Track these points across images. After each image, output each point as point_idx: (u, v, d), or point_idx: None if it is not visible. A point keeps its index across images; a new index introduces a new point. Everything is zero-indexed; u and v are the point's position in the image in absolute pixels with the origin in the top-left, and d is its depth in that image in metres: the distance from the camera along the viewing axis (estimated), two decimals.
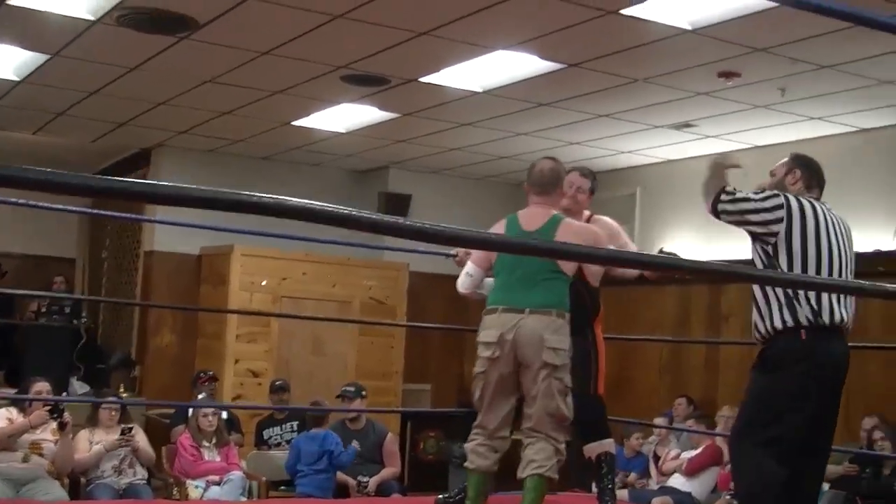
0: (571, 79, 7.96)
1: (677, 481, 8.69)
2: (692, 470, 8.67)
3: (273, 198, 1.40)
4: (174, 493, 8.01)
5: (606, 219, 5.51)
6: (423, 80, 8.20)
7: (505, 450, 4.86)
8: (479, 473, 4.80)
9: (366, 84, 8.43)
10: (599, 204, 10.00)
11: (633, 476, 9.21)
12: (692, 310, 10.32)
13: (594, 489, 5.48)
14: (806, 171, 4.54)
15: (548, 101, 8.68)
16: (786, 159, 4.65)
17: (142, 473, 7.91)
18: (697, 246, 10.31)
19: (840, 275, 4.27)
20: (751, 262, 4.42)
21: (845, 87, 7.81)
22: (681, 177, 10.81)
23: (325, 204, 1.44)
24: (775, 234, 4.25)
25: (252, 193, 1.39)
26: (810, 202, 4.35)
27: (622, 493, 8.56)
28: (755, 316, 4.33)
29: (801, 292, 4.15)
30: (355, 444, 8.28)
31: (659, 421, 9.17)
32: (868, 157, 9.04)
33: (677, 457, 8.91)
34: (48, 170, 1.36)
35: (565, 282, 4.78)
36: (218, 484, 7.94)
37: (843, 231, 4.40)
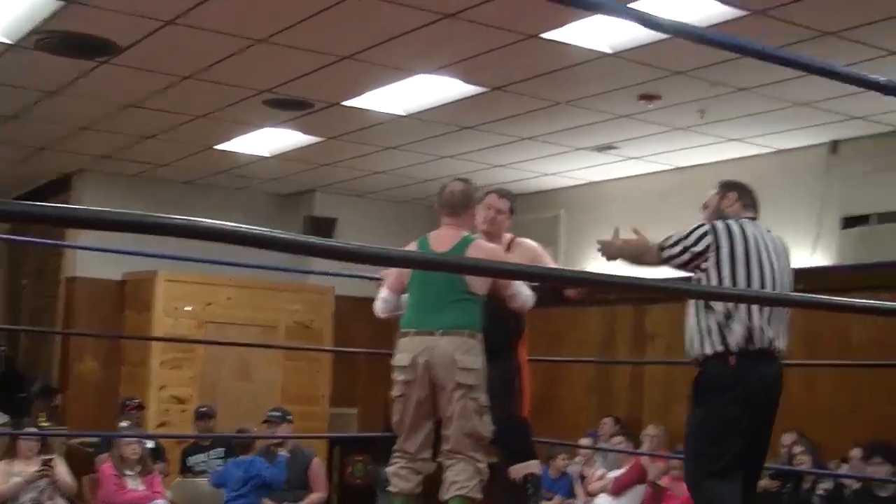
0: (494, 102, 8.02)
1: (603, 501, 8.75)
2: (618, 489, 8.73)
3: (186, 219, 1.39)
4: None
5: (529, 241, 5.55)
6: (346, 103, 8.21)
7: (428, 472, 4.88)
8: (402, 496, 4.83)
9: (289, 108, 8.42)
10: (523, 226, 10.09)
11: (557, 498, 9.22)
12: (617, 330, 10.42)
13: None
14: (738, 191, 4.64)
15: (471, 124, 8.73)
16: (714, 189, 4.73)
17: None
18: (620, 266, 10.39)
19: None
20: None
21: (762, 108, 7.96)
22: (604, 198, 10.93)
23: (239, 225, 1.44)
24: (706, 265, 4.31)
25: (166, 216, 1.38)
26: (741, 226, 4.39)
27: None
28: (687, 342, 4.39)
29: (732, 318, 4.19)
30: (283, 453, 8.23)
31: (584, 441, 9.23)
32: (785, 177, 9.20)
33: (603, 476, 8.97)
34: None
35: (476, 302, 4.80)
36: None
37: (779, 252, 4.44)
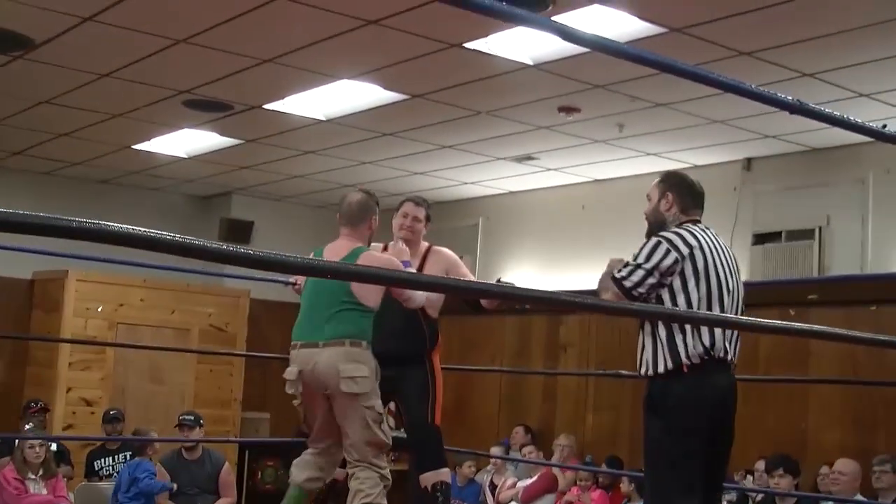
0: (415, 110, 8.02)
1: None
2: (528, 498, 8.78)
3: (95, 223, 1.37)
4: None
5: (445, 250, 5.56)
6: (266, 107, 8.15)
7: (331, 474, 5.02)
8: (295, 486, 4.94)
9: (208, 110, 8.34)
10: (443, 234, 10.13)
11: None
12: (531, 340, 10.48)
13: None
14: (678, 192, 4.37)
15: (392, 130, 8.73)
16: (657, 180, 4.49)
17: None
18: (537, 275, 10.49)
19: (732, 308, 4.18)
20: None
21: (679, 124, 8.08)
22: (522, 208, 11.00)
23: (149, 230, 1.41)
24: (669, 279, 4.12)
25: (74, 219, 1.36)
26: (694, 234, 4.20)
27: None
28: (639, 355, 4.23)
29: (685, 331, 4.06)
30: (172, 485, 8.14)
31: (495, 450, 9.27)
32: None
33: (514, 485, 9.01)
34: None
35: (362, 312, 4.82)
36: None
37: (729, 259, 4.28)
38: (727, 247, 4.34)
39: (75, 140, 9.60)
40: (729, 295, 4.17)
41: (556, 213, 10.63)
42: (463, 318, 9.83)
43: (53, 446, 8.43)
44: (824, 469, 7.30)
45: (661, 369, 4.11)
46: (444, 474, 5.31)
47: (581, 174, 10.01)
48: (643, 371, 4.20)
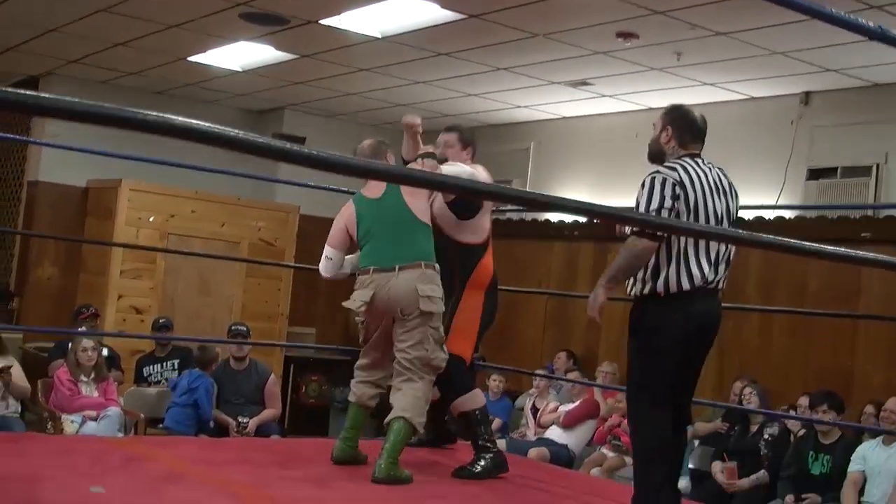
0: (472, 30, 7.96)
1: (554, 433, 8.85)
2: (569, 422, 8.83)
3: (161, 116, 1.38)
4: (48, 427, 7.88)
5: (480, 167, 5.42)
6: (323, 22, 8.12)
7: (384, 387, 5.14)
8: (355, 406, 5.12)
9: (265, 23, 8.31)
10: (494, 157, 10.10)
11: (497, 420, 9.10)
12: (578, 266, 10.47)
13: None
14: (678, 126, 4.48)
15: (447, 50, 8.68)
16: (662, 111, 4.60)
17: (14, 407, 7.77)
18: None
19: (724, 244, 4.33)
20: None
21: (738, 55, 7.95)
22: (575, 134, 10.93)
23: (213, 125, 1.42)
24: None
25: (141, 111, 1.37)
26: (686, 169, 4.30)
27: (500, 444, 8.70)
28: (631, 279, 4.40)
29: (671, 258, 4.21)
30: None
31: (540, 373, 9.31)
32: (756, 125, 9.25)
33: (555, 409, 9.06)
34: None
35: (427, 233, 5.02)
36: (94, 419, 7.83)
37: (725, 190, 4.41)
38: (722, 179, 4.45)
39: (131, 50, 9.63)
40: (720, 226, 4.31)
41: (608, 140, 10.55)
42: (511, 242, 9.85)
43: (105, 352, 8.59)
44: (869, 408, 7.26)
45: (643, 291, 4.31)
46: (472, 400, 5.22)
47: (636, 102, 9.91)
48: (628, 291, 4.43)
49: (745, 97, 9.23)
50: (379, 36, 8.35)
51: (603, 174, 10.55)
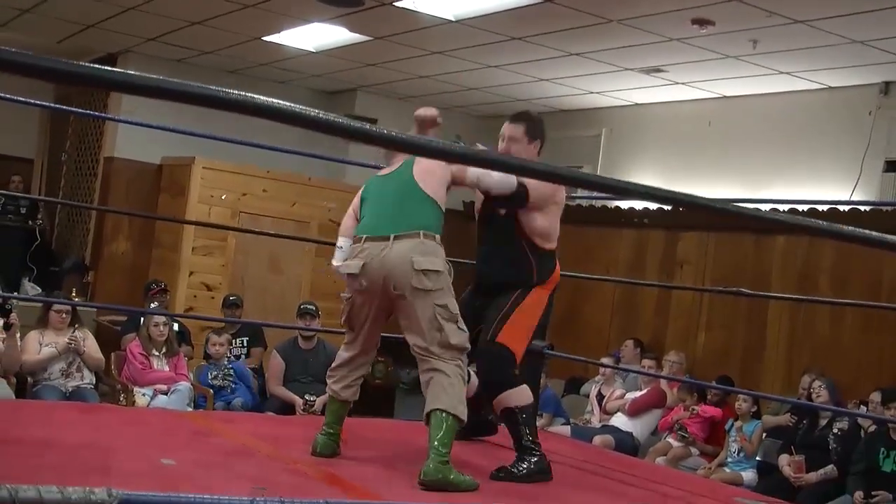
0: (546, 14, 7.92)
1: (619, 420, 8.83)
2: (635, 410, 8.80)
3: (243, 94, 1.40)
4: (121, 399, 8.04)
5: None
6: (397, 4, 8.14)
7: (359, 380, 4.73)
8: (335, 401, 4.76)
9: (340, 4, 8.36)
10: (564, 143, 10.08)
11: (546, 416, 8.88)
12: (647, 254, 10.42)
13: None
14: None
15: (521, 35, 8.65)
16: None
17: (89, 378, 7.93)
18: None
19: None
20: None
21: (816, 43, 7.84)
22: (647, 121, 10.86)
23: (293, 105, 1.44)
24: None
25: (224, 90, 1.39)
26: None
27: (565, 430, 8.69)
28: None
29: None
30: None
31: (606, 361, 9.28)
32: (833, 115, 9.11)
33: (622, 396, 9.03)
34: (13, 50, 1.35)
35: (433, 204, 4.50)
36: (165, 393, 7.97)
37: None
38: None
39: (207, 28, 9.74)
40: None
41: (681, 127, 10.47)
42: (580, 228, 9.81)
43: (175, 326, 8.72)
44: None
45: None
46: (517, 396, 4.67)
47: (709, 90, 9.81)
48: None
49: (823, 87, 9.09)
50: (452, 19, 8.35)
51: (673, 161, 10.47)
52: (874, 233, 2.19)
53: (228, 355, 8.92)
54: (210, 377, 8.58)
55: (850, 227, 2.17)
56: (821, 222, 2.12)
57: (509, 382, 4.67)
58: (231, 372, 8.63)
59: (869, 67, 8.33)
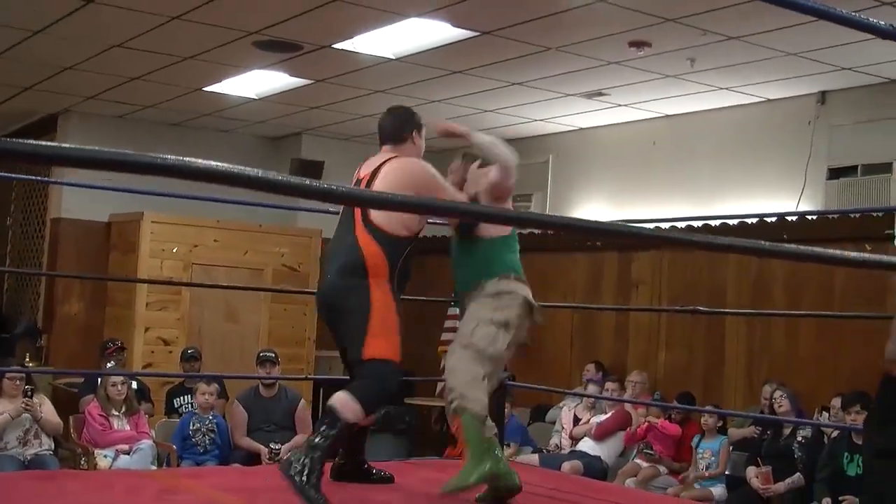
0: (484, 47, 7.97)
1: (587, 445, 8.83)
2: (601, 434, 8.81)
3: (179, 159, 1.39)
4: (82, 462, 7.92)
5: (411, 162, 4.74)
6: (336, 46, 8.15)
7: None
8: None
9: (278, 50, 8.36)
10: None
11: (513, 447, 8.83)
12: (603, 277, 10.45)
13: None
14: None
15: (461, 68, 8.69)
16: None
17: (48, 444, 7.81)
18: (607, 212, 10.45)
19: None
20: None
21: (752, 58, 7.94)
22: (593, 144, 10.93)
23: (232, 166, 1.43)
24: None
25: (160, 156, 1.38)
26: None
27: (533, 458, 8.66)
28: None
29: None
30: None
31: (591, 388, 9.27)
32: (774, 126, 9.22)
33: (587, 421, 9.04)
34: None
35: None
36: (127, 453, 7.87)
37: None
38: None
39: (147, 83, 9.70)
40: None
41: (626, 149, 10.55)
42: (534, 255, 9.80)
43: (134, 384, 8.62)
44: None
45: None
46: (354, 410, 4.24)
47: (652, 110, 9.91)
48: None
49: (762, 99, 9.20)
50: (392, 57, 8.37)
51: (622, 183, 10.54)
52: (819, 249, 2.21)
53: (192, 410, 8.83)
54: (191, 428, 8.38)
55: (771, 244, 2.18)
56: (763, 243, 2.13)
57: (371, 401, 4.41)
58: (214, 427, 8.45)
59: (805, 78, 8.45)
